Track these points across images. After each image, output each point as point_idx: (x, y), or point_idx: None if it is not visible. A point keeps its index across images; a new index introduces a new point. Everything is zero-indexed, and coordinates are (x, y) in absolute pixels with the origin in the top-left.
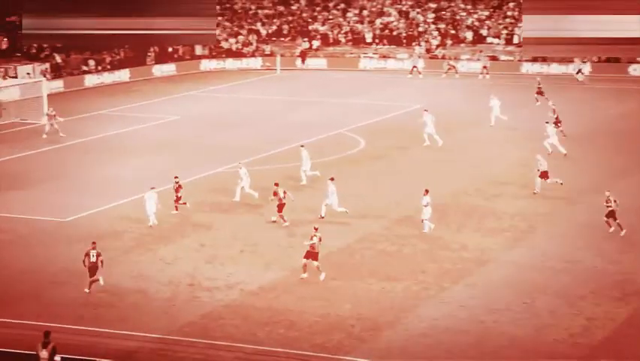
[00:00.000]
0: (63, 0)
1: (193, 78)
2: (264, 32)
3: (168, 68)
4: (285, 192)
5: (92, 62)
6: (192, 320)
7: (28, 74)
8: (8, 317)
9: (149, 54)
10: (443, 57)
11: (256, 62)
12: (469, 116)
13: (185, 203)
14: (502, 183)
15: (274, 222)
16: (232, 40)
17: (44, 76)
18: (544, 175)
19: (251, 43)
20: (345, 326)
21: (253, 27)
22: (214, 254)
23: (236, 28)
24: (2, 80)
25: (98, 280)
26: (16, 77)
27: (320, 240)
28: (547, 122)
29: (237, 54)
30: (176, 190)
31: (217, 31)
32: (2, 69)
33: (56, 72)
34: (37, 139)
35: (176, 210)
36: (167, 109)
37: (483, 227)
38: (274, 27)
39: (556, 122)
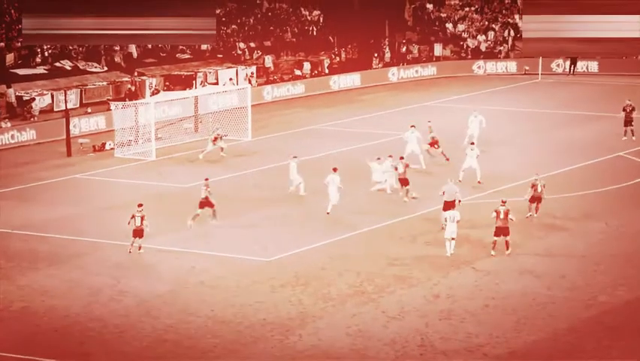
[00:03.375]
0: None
1: (431, 85)
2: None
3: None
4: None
5: (307, 66)
6: None
7: (230, 79)
8: None
9: (375, 57)
10: None
11: (512, 66)
12: None
13: None
14: None
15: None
16: (481, 37)
17: (249, 82)
18: None
19: (505, 42)
20: None
21: (509, 20)
22: (450, 308)
23: (487, 22)
24: (200, 87)
25: (139, 245)
26: (216, 84)
27: (507, 214)
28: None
29: (487, 55)
30: None
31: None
32: (201, 74)
33: (264, 77)
34: (236, 159)
35: None
36: (398, 123)
37: None
38: None
39: None
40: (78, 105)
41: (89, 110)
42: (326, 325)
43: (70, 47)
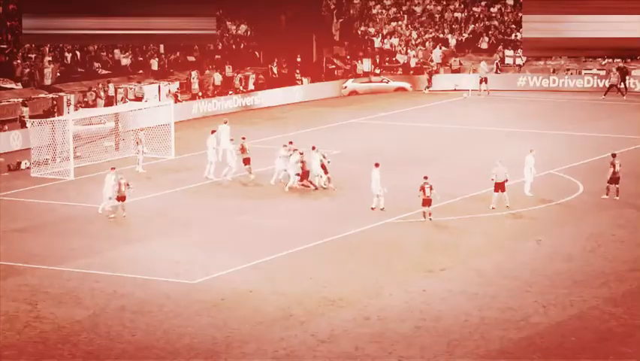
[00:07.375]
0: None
1: (356, 101)
2: (452, 42)
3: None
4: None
5: (237, 80)
6: None
7: (145, 98)
8: None
9: (297, 73)
10: None
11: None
12: None
13: None
14: None
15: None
16: (411, 52)
17: (176, 98)
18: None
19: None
20: None
21: (439, 35)
22: (381, 331)
23: (418, 38)
24: (121, 103)
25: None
26: (139, 100)
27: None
28: None
29: (417, 70)
30: None
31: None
32: (123, 89)
33: (189, 93)
34: (161, 177)
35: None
36: (324, 141)
37: None
38: (466, 35)
39: None
40: None
41: (6, 128)
42: (253, 349)
43: None
